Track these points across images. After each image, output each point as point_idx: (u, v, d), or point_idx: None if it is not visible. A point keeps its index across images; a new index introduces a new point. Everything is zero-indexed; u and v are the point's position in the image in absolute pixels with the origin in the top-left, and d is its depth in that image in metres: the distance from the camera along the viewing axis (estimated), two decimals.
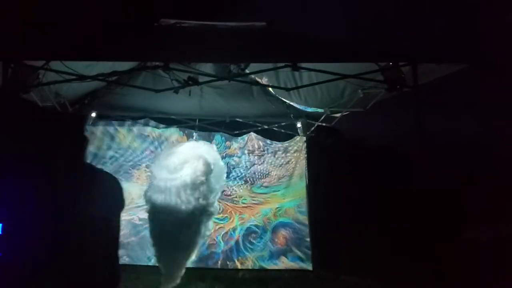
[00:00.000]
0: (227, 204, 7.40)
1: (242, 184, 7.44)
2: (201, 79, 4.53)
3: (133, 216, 6.93)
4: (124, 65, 4.94)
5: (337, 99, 5.71)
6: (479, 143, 9.59)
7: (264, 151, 7.45)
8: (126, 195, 6.91)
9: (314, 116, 6.83)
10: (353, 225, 7.52)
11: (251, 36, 5.25)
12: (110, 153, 7.04)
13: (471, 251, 6.86)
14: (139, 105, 6.70)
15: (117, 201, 2.13)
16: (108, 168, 6.99)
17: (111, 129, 7.11)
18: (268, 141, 7.45)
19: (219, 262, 7.12)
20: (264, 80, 6.03)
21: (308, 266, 7.03)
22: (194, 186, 5.19)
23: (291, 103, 6.64)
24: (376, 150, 9.48)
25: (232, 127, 7.34)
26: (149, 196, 5.28)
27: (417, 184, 4.53)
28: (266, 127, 7.41)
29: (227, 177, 7.24)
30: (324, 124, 6.82)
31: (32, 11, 8.66)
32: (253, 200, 7.44)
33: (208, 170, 5.33)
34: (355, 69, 4.35)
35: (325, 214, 7.29)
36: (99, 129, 7.05)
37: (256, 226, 7.36)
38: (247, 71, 5.32)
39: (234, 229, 7.34)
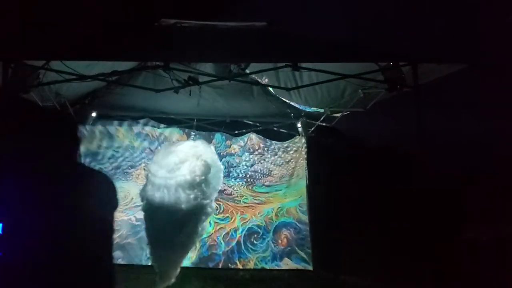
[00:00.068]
0: (228, 204, 7.36)
1: (243, 183, 7.42)
2: (201, 79, 4.54)
3: (131, 216, 6.92)
4: (124, 65, 4.94)
5: (337, 99, 5.72)
6: (479, 143, 9.57)
7: (264, 150, 7.45)
8: (124, 194, 6.94)
9: (314, 116, 6.83)
10: (353, 225, 7.51)
11: (251, 36, 5.25)
12: (110, 152, 7.06)
13: (471, 251, 6.85)
14: (139, 105, 6.70)
15: (112, 201, 2.13)
16: (108, 167, 7.01)
17: (111, 129, 7.13)
18: (268, 141, 7.45)
19: (220, 264, 7.08)
20: (264, 80, 6.03)
21: (309, 266, 7.03)
22: (192, 185, 5.19)
23: (291, 103, 6.65)
24: (376, 150, 9.46)
25: (232, 127, 7.35)
26: (146, 194, 5.28)
27: (417, 184, 4.53)
28: (266, 127, 7.40)
29: (228, 176, 7.26)
30: (324, 124, 6.83)
31: (32, 11, 8.66)
32: (255, 199, 7.39)
33: (206, 170, 5.33)
34: (355, 69, 4.35)
35: (325, 214, 7.29)
36: (99, 129, 7.06)
37: (257, 226, 7.30)
38: (247, 71, 5.32)
39: (235, 230, 7.29)
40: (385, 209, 7.91)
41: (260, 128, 7.41)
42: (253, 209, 7.37)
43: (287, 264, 7.11)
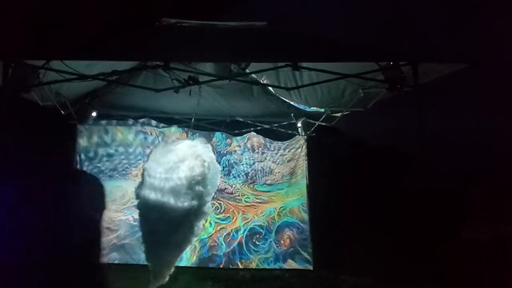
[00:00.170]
0: (229, 203, 7.26)
1: (244, 182, 7.33)
2: (202, 78, 4.53)
3: (128, 216, 6.88)
4: (124, 65, 4.94)
5: (338, 98, 5.71)
6: (479, 143, 9.59)
7: (265, 148, 7.40)
8: (122, 193, 6.91)
9: (315, 116, 6.82)
10: (354, 225, 7.51)
11: (251, 36, 5.25)
12: (110, 152, 7.05)
13: (471, 251, 6.86)
14: (140, 105, 6.70)
15: (107, 200, 2.15)
16: (107, 166, 7.00)
17: (111, 128, 7.13)
18: (269, 141, 7.43)
19: (221, 265, 7.01)
20: (264, 80, 6.03)
21: (309, 266, 7.01)
22: (191, 185, 5.20)
23: (292, 103, 6.64)
24: (377, 149, 9.47)
25: (233, 127, 7.33)
26: (142, 192, 5.27)
27: (417, 184, 4.53)
28: (266, 126, 7.40)
29: (228, 174, 7.23)
30: (324, 124, 6.81)
31: (32, 11, 8.65)
32: (257, 198, 7.30)
33: (205, 170, 5.34)
34: (355, 69, 4.35)
35: (325, 213, 7.28)
36: (99, 128, 7.06)
37: (260, 226, 7.19)
38: (247, 70, 5.31)
39: (237, 230, 7.19)
40: (385, 209, 7.92)
41: (260, 128, 7.39)
42: (255, 208, 7.27)
43: (290, 266, 7.02)
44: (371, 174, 8.33)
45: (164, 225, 5.10)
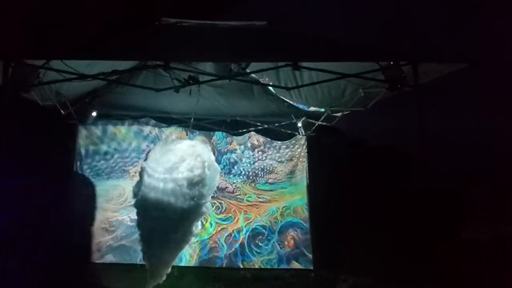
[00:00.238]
0: (230, 203, 7.17)
1: (245, 181, 7.25)
2: (202, 78, 4.53)
3: (125, 217, 6.82)
4: (124, 64, 4.94)
5: (338, 98, 5.71)
6: (479, 143, 9.59)
7: (266, 147, 7.37)
8: (119, 192, 6.93)
9: (315, 116, 6.82)
10: (354, 225, 7.51)
11: (251, 35, 5.26)
12: (110, 151, 7.06)
13: (471, 251, 6.86)
14: (140, 104, 6.70)
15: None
16: (108, 166, 6.99)
17: (111, 128, 7.13)
18: (269, 140, 7.41)
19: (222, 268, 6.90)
20: (264, 80, 6.03)
21: (309, 266, 6.99)
22: (191, 185, 5.21)
23: (292, 103, 6.64)
24: (377, 149, 9.46)
25: (233, 127, 7.31)
26: (140, 191, 5.28)
27: (417, 183, 4.53)
28: (266, 126, 7.39)
29: (229, 173, 7.19)
30: (324, 124, 6.81)
31: (32, 11, 8.65)
32: (259, 197, 7.21)
33: (204, 170, 5.36)
34: (355, 69, 4.35)
35: (325, 213, 7.27)
36: (99, 128, 7.06)
37: (262, 226, 7.08)
38: (247, 70, 5.31)
39: (238, 231, 7.08)
40: (385, 209, 7.91)
41: (261, 127, 7.39)
42: (257, 208, 7.16)
43: (293, 267, 6.93)
44: (371, 174, 8.32)
45: (163, 224, 5.11)
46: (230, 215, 7.14)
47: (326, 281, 6.47)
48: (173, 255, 5.47)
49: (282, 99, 6.66)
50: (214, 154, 6.83)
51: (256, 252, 7.01)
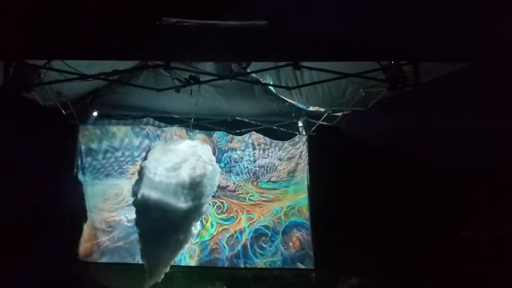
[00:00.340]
0: (231, 202, 7.01)
1: (247, 179, 7.11)
2: (202, 78, 4.53)
3: (122, 217, 6.72)
4: (125, 64, 4.94)
5: (339, 98, 5.71)
6: (479, 143, 9.59)
7: (267, 145, 7.28)
8: (116, 192, 6.93)
9: (316, 115, 6.82)
10: (354, 225, 7.51)
11: (252, 35, 5.26)
12: (110, 151, 7.02)
13: (471, 251, 6.86)
14: (141, 104, 6.71)
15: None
16: (107, 165, 6.97)
17: (111, 128, 7.11)
18: (270, 140, 7.38)
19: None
20: (265, 79, 6.03)
21: (310, 266, 6.95)
22: (192, 185, 5.22)
23: (293, 102, 6.64)
24: (378, 149, 9.46)
25: (234, 126, 7.30)
26: (140, 190, 5.28)
27: (418, 183, 4.53)
28: (267, 126, 7.38)
29: (230, 171, 7.10)
30: (325, 123, 6.81)
31: (32, 11, 8.66)
32: (262, 196, 7.04)
33: (205, 171, 5.37)
34: (356, 68, 4.35)
35: (326, 213, 7.26)
36: (99, 128, 7.05)
37: (265, 227, 6.90)
38: (248, 70, 5.32)
39: (241, 231, 6.91)
40: (385, 209, 7.92)
41: (261, 127, 7.38)
42: (260, 207, 6.99)
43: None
44: (371, 174, 8.32)
45: (162, 224, 5.12)
46: (232, 215, 6.97)
47: (327, 281, 6.47)
48: (172, 255, 5.47)
49: (283, 98, 6.66)
50: (214, 152, 6.80)
51: (260, 253, 6.83)
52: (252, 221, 6.96)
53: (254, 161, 7.20)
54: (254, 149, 7.26)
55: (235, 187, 7.08)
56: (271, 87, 6.33)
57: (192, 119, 7.16)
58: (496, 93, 10.17)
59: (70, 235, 6.58)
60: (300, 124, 7.30)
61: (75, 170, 6.81)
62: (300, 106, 6.66)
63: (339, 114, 6.32)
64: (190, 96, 5.55)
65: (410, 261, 6.24)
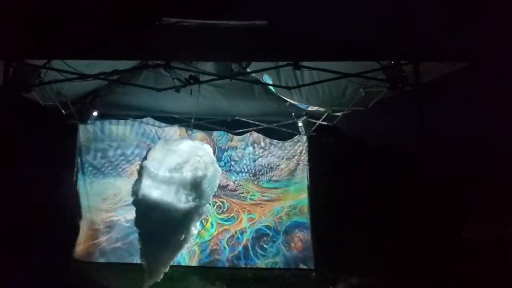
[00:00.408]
0: (232, 201, 6.92)
1: (248, 178, 7.02)
2: (203, 78, 4.53)
3: (120, 217, 6.66)
4: (125, 64, 4.93)
5: (339, 98, 5.71)
6: (479, 143, 9.60)
7: (267, 144, 7.26)
8: (114, 192, 6.91)
9: (316, 115, 6.82)
10: (354, 225, 7.51)
11: (252, 35, 5.26)
12: (110, 150, 7.01)
13: (471, 251, 6.86)
14: (141, 104, 6.70)
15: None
16: (107, 165, 6.96)
17: (111, 127, 7.09)
18: (270, 140, 7.37)
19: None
20: (264, 79, 6.03)
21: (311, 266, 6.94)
22: (194, 186, 5.21)
23: (293, 102, 6.64)
24: (378, 149, 9.47)
25: (234, 126, 7.28)
26: (140, 190, 5.27)
27: (418, 183, 4.53)
28: (267, 125, 7.37)
29: (230, 170, 7.04)
30: (325, 123, 6.81)
31: (32, 11, 8.66)
32: (263, 196, 6.95)
33: (207, 172, 5.36)
34: (356, 68, 4.35)
35: (326, 213, 7.26)
36: (99, 127, 7.04)
37: (267, 227, 6.80)
38: (248, 70, 5.31)
39: (242, 232, 6.82)
40: (386, 209, 7.92)
41: (261, 127, 7.38)
42: (261, 207, 6.89)
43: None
44: (371, 174, 8.32)
45: (163, 224, 5.11)
46: (232, 215, 6.89)
47: (326, 280, 6.47)
48: (172, 255, 5.46)
49: (283, 98, 6.65)
50: (214, 151, 6.78)
51: (261, 254, 6.74)
52: (253, 221, 6.87)
53: (255, 160, 7.14)
54: (254, 148, 7.20)
55: (236, 186, 7.01)
56: (271, 87, 6.33)
57: (193, 119, 7.14)
58: (496, 93, 10.18)
59: (70, 235, 6.58)
60: (300, 124, 7.28)
61: (75, 170, 6.81)
62: (300, 106, 6.65)
63: (339, 114, 6.32)
64: (190, 96, 5.55)
65: (410, 261, 6.24)
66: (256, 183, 7.05)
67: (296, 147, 7.33)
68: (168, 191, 5.13)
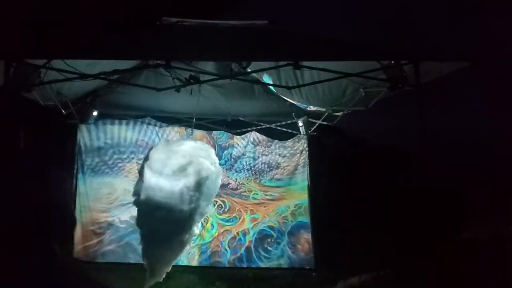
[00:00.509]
0: (233, 201, 6.72)
1: (249, 176, 6.86)
2: (203, 77, 4.53)
3: (114, 218, 6.54)
4: (125, 64, 4.93)
5: (339, 97, 5.71)
6: (479, 142, 9.62)
7: (268, 143, 7.18)
8: (109, 191, 6.90)
9: (316, 115, 6.82)
10: (354, 225, 7.50)
11: (252, 35, 5.26)
12: (110, 150, 6.98)
13: (471, 251, 6.86)
14: (141, 104, 6.70)
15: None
16: (107, 164, 6.94)
17: (111, 127, 7.08)
18: (270, 140, 7.34)
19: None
20: (264, 79, 6.03)
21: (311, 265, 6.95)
22: (197, 187, 5.21)
23: (293, 102, 6.64)
24: (378, 149, 9.48)
25: (234, 126, 7.26)
26: (142, 190, 5.27)
27: (418, 183, 4.54)
28: (267, 125, 7.37)
29: (231, 169, 6.94)
30: (326, 123, 6.81)
31: (32, 11, 8.66)
32: (266, 195, 6.75)
33: (209, 172, 5.37)
34: (357, 68, 4.35)
35: (326, 213, 7.26)
36: (99, 127, 7.03)
37: (270, 228, 6.59)
38: (248, 69, 5.31)
39: (244, 233, 6.60)
40: (386, 209, 7.92)
41: (262, 127, 7.37)
42: (265, 207, 6.67)
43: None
44: (372, 174, 8.32)
45: (165, 225, 5.11)
46: (234, 215, 6.68)
47: (326, 280, 6.47)
48: (175, 255, 5.46)
49: (283, 98, 6.65)
50: (214, 149, 6.76)
51: (265, 257, 6.53)
52: (256, 222, 6.64)
53: (256, 158, 7.02)
54: (255, 146, 7.09)
55: (237, 184, 6.86)
56: (271, 87, 6.32)
57: (194, 119, 7.13)
58: (496, 93, 10.19)
59: (70, 235, 6.58)
60: (300, 123, 7.28)
61: (75, 169, 6.81)
62: (301, 105, 6.65)
63: (340, 114, 6.32)
64: (190, 96, 5.55)
65: (410, 261, 6.23)
66: (258, 181, 6.89)
67: (297, 146, 7.31)
68: (172, 192, 5.12)
